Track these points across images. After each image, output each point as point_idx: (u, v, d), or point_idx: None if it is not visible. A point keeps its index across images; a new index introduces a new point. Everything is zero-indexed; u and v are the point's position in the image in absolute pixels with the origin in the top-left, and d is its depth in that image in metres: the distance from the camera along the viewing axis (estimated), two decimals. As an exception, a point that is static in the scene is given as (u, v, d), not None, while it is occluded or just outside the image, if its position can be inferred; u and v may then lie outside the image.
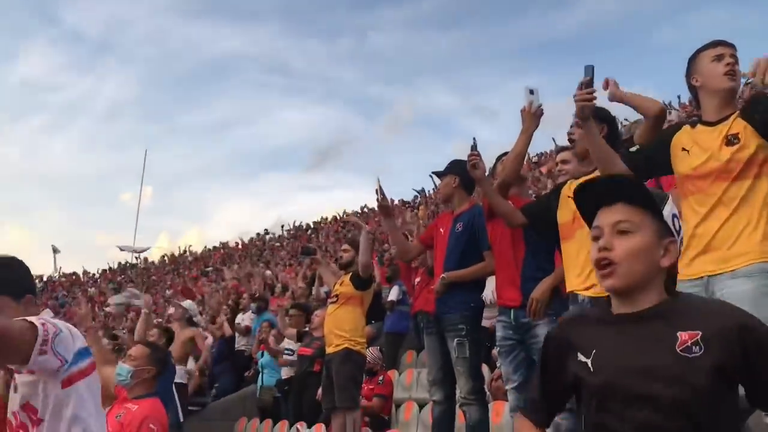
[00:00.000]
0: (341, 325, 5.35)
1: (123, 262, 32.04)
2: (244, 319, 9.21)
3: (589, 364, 1.49)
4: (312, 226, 27.73)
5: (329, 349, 5.43)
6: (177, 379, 6.05)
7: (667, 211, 1.49)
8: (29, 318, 1.87)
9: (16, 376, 2.01)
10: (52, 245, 34.31)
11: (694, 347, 1.40)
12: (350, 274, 5.50)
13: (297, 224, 28.70)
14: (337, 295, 5.48)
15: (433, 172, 4.67)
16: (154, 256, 31.99)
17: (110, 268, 31.03)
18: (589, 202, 1.57)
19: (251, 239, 29.08)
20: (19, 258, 2.21)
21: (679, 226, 1.52)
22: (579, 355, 1.51)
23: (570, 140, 3.28)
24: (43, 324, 1.86)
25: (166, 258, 30.56)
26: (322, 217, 28.14)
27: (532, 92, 3.45)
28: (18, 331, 1.81)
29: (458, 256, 4.04)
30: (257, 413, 7.64)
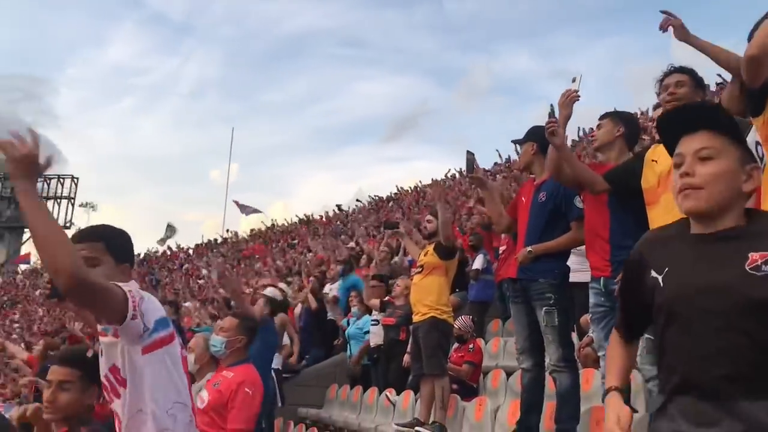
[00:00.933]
0: (427, 295, 5.43)
1: (213, 238, 33.38)
2: (332, 289, 9.45)
3: (660, 280, 1.53)
4: (392, 196, 27.88)
5: (416, 318, 5.53)
6: (273, 365, 6.31)
7: (751, 138, 1.50)
8: (118, 283, 1.99)
9: (100, 339, 2.16)
10: (169, 223, 36.27)
11: (764, 266, 1.42)
12: (434, 244, 5.57)
13: (377, 196, 28.96)
14: (422, 266, 5.56)
15: (513, 140, 4.63)
16: (243, 229, 33.14)
17: (202, 243, 32.33)
18: (673, 129, 1.59)
19: (334, 212, 29.57)
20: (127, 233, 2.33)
21: (763, 153, 1.53)
22: (652, 272, 1.56)
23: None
24: (129, 290, 1.99)
25: (254, 232, 31.53)
26: (400, 188, 28.23)
27: (573, 80, 3.45)
28: (115, 290, 1.94)
29: (542, 226, 4.00)
30: (348, 380, 7.89)
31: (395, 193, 28.10)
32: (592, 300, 3.60)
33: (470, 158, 4.48)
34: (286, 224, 30.67)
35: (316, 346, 8.98)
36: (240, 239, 31.34)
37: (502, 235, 7.16)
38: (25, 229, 47.25)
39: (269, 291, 7.76)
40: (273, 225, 31.16)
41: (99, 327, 2.15)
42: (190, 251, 31.22)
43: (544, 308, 3.90)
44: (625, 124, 3.70)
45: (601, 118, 3.76)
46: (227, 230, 33.22)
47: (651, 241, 1.67)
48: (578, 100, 3.46)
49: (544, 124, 3.55)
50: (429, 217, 6.13)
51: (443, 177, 24.53)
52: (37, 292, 28.82)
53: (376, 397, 6.82)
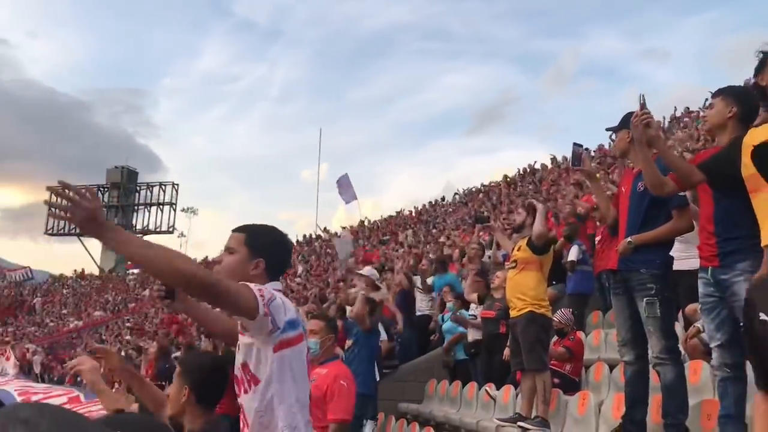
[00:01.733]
0: (523, 290, 5.39)
1: (307, 236, 34.24)
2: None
3: None
4: (482, 188, 27.68)
5: (513, 313, 5.51)
6: None
7: None
8: (247, 283, 2.10)
9: (239, 337, 2.29)
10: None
11: None
12: (527, 238, 5.52)
13: (467, 189, 28.83)
14: (515, 261, 5.52)
15: (607, 128, 4.52)
16: (336, 227, 33.80)
17: (297, 242, 33.18)
18: None
19: (423, 206, 29.67)
20: (282, 235, 2.46)
21: None
22: (761, 315, 1.51)
23: None
24: (259, 289, 2.08)
25: (348, 229, 32.07)
26: (491, 181, 27.96)
27: (642, 103, 3.46)
28: (244, 289, 2.05)
29: (643, 216, 3.90)
30: (446, 375, 7.93)
31: (484, 185, 27.90)
32: (701, 290, 3.49)
33: (578, 150, 4.42)
34: (377, 221, 31.07)
35: (406, 327, 9.04)
36: (333, 236, 31.95)
37: (597, 224, 7.02)
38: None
39: (367, 270, 7.95)
40: (364, 222, 31.59)
41: (239, 327, 2.28)
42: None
43: (645, 299, 3.81)
44: (739, 102, 3.35)
45: (714, 95, 3.51)
46: (319, 228, 33.98)
47: (758, 284, 1.63)
48: (649, 117, 3.45)
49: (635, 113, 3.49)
50: (519, 210, 6.08)
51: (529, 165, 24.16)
52: (146, 292, 30.50)
53: (475, 392, 6.83)
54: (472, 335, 7.28)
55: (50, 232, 50.32)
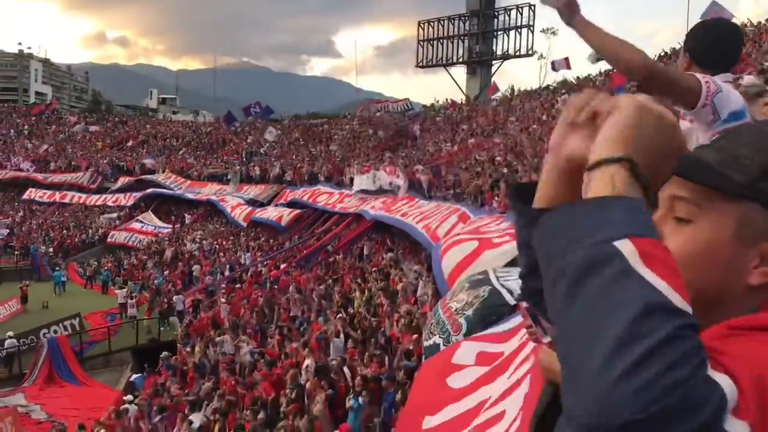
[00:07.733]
0: None
1: (675, 48, 31.52)
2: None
3: None
4: None
5: None
6: None
7: None
8: (696, 74, 2.28)
9: (680, 123, 2.49)
10: None
11: None
12: None
13: None
14: None
15: None
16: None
17: (660, 56, 30.86)
18: None
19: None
20: (712, 27, 2.59)
21: None
22: None
23: None
24: (706, 81, 2.24)
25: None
26: None
27: None
28: (690, 79, 2.24)
29: None
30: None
31: None
32: None
33: None
34: (762, 23, 26.98)
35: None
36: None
37: None
38: (494, 62, 51.55)
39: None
40: (744, 25, 27.65)
41: (681, 112, 2.46)
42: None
43: None
44: None
45: None
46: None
47: None
48: None
49: None
50: None
51: None
52: (512, 118, 32.04)
53: None
54: None
55: (420, 64, 54.52)
